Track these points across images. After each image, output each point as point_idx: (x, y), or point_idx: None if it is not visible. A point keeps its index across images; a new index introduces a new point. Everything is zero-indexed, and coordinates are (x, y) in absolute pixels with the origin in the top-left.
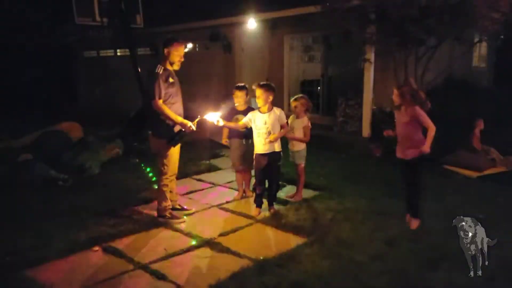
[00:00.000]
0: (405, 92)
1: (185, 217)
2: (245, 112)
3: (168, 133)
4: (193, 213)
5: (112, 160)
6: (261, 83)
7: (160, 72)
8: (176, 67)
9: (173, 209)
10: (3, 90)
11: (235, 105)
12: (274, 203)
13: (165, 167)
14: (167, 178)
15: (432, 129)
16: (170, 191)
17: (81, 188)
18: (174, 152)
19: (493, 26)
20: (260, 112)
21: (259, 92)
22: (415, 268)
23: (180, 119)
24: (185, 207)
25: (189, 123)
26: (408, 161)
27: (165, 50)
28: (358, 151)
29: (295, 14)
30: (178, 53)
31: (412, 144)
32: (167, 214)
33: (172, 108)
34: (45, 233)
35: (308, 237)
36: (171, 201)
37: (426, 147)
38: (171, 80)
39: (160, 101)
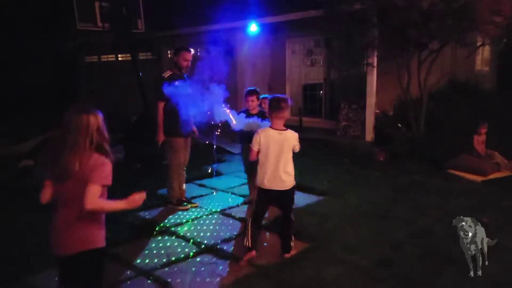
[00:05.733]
0: None
1: (188, 205)
2: (257, 115)
3: (172, 130)
4: (197, 206)
5: (113, 166)
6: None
7: (166, 76)
8: (184, 71)
9: (179, 201)
10: (4, 96)
11: (248, 109)
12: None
13: (171, 161)
14: (174, 171)
15: None
16: (178, 184)
17: None
18: (180, 149)
19: (496, 30)
20: None
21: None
22: (420, 273)
23: (160, 129)
24: (192, 201)
25: (161, 140)
26: None
27: (175, 58)
28: (361, 155)
29: (297, 18)
30: (185, 60)
31: None
32: (174, 201)
33: (179, 111)
34: (46, 239)
35: (312, 243)
36: (178, 193)
37: None
38: (176, 83)
39: (161, 104)
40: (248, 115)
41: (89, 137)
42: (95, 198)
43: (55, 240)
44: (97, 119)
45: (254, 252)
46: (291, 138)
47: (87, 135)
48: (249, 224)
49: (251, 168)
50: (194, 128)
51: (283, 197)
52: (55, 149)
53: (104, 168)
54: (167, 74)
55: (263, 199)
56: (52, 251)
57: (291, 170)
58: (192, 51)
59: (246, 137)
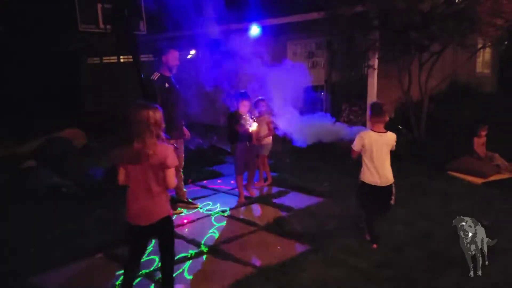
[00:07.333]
0: None
1: (184, 210)
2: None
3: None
4: (198, 207)
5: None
6: None
7: (155, 79)
8: (174, 71)
9: (181, 202)
10: (7, 96)
11: (240, 111)
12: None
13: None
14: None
15: None
16: (178, 186)
17: (84, 195)
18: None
19: (497, 32)
20: None
21: None
22: (421, 275)
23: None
24: (193, 202)
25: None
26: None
27: (163, 58)
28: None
29: (298, 21)
30: (174, 58)
31: None
32: (185, 199)
33: (172, 113)
34: (48, 240)
35: (312, 244)
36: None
37: None
38: (166, 85)
39: None
40: (239, 115)
41: (149, 128)
42: (174, 178)
43: (136, 213)
44: (155, 114)
45: (375, 245)
46: (391, 139)
47: (148, 126)
48: (366, 219)
49: (243, 167)
50: (186, 130)
51: (385, 192)
52: (125, 138)
53: (173, 154)
54: (156, 76)
55: (367, 194)
56: (132, 223)
57: (390, 167)
58: (193, 52)
59: (245, 136)
